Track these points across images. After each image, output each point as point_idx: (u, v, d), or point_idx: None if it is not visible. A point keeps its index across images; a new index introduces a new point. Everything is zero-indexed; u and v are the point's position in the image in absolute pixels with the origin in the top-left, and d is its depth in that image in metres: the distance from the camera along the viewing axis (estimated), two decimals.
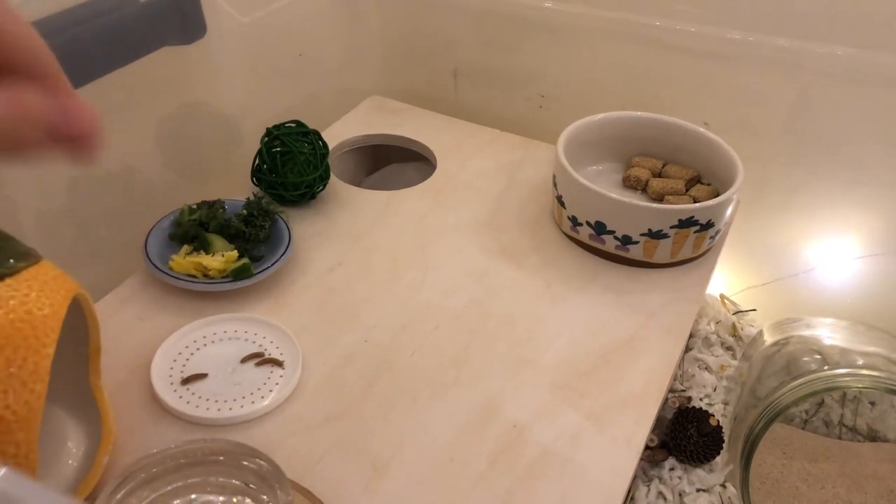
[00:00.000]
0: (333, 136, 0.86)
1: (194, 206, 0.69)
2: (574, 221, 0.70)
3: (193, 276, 0.63)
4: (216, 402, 0.55)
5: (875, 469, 0.68)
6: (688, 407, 0.67)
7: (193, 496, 0.43)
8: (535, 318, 0.64)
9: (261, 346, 0.59)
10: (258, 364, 0.58)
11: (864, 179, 0.77)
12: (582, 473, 0.52)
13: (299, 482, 0.50)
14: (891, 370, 0.61)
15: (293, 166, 0.72)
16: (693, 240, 0.67)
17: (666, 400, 0.66)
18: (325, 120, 0.88)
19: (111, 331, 0.58)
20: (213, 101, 0.79)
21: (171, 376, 0.56)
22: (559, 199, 0.71)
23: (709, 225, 0.67)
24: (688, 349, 0.78)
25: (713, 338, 0.79)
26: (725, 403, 0.72)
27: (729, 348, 0.79)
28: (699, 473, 0.65)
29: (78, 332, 0.51)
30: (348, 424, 0.54)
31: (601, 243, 0.69)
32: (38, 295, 0.42)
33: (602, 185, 0.68)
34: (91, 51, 0.61)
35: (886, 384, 0.59)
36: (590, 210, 0.68)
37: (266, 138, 0.72)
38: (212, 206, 0.69)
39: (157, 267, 0.63)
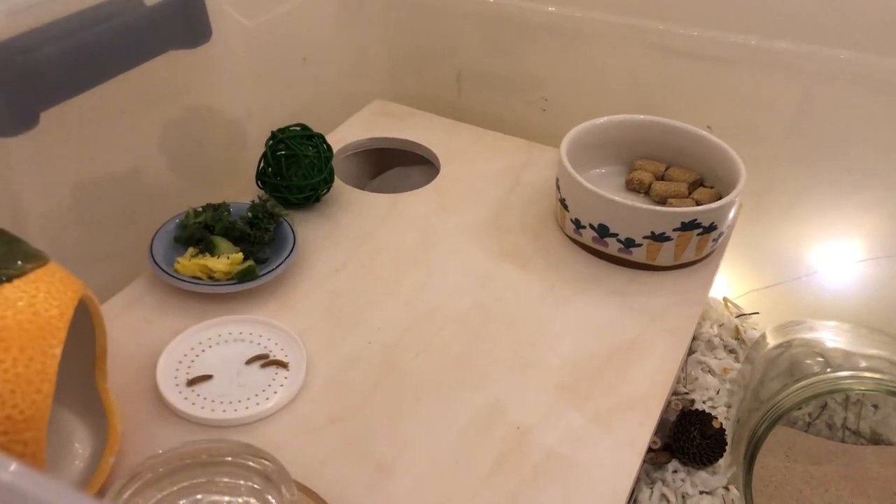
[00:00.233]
0: (338, 140, 0.86)
1: (200, 209, 0.69)
2: (577, 224, 0.70)
3: (199, 279, 0.64)
4: (221, 403, 0.55)
5: (878, 472, 0.68)
6: (691, 409, 0.67)
7: (199, 496, 0.43)
8: (538, 321, 0.64)
9: (266, 347, 0.60)
10: (263, 365, 0.58)
11: (867, 183, 0.77)
12: (585, 475, 0.52)
13: (304, 483, 0.50)
14: (894, 373, 0.61)
15: (298, 169, 0.72)
16: (696, 243, 0.68)
17: (669, 402, 0.67)
18: (329, 123, 0.88)
19: (117, 332, 0.58)
20: (218, 105, 0.80)
21: (176, 377, 0.57)
22: (562, 202, 0.72)
23: (711, 228, 0.67)
24: (691, 352, 0.78)
25: (716, 341, 0.79)
26: (728, 406, 0.73)
27: (732, 351, 0.79)
28: (702, 476, 0.65)
29: (84, 334, 0.51)
30: (353, 426, 0.55)
31: (604, 246, 0.70)
32: (46, 296, 0.43)
33: (605, 189, 0.68)
34: (97, 54, 0.61)
35: (889, 387, 0.59)
36: (593, 213, 0.68)
37: (271, 142, 0.73)
38: (217, 208, 0.69)
39: (162, 269, 0.63)
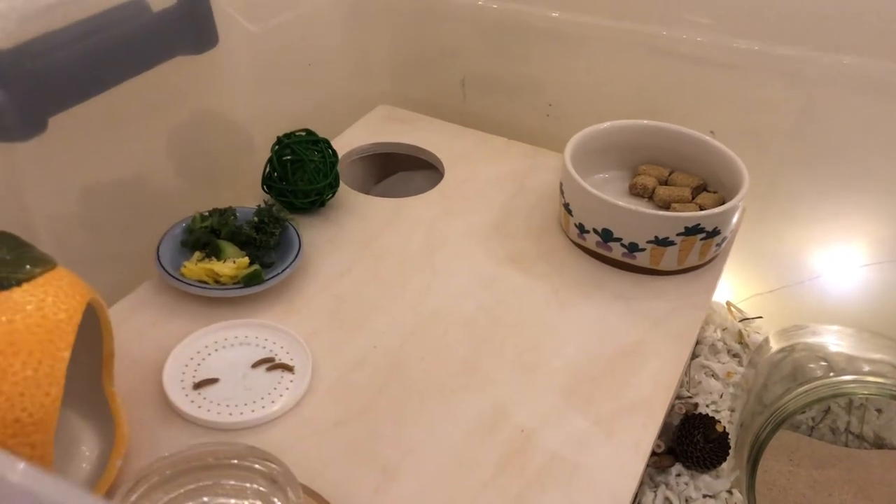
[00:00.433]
0: (343, 145, 0.86)
1: (206, 214, 0.70)
2: (581, 229, 0.71)
3: (205, 283, 0.64)
4: (227, 406, 0.55)
5: (882, 476, 0.68)
6: (694, 413, 0.67)
7: (205, 499, 0.44)
8: (542, 325, 0.65)
9: (271, 351, 0.60)
10: (269, 369, 0.59)
11: (870, 187, 0.77)
12: (589, 478, 0.52)
13: (309, 486, 0.50)
14: None
15: (303, 174, 0.72)
16: (699, 247, 0.68)
17: (672, 406, 0.67)
18: (334, 128, 0.89)
19: (124, 336, 0.59)
20: (224, 110, 0.80)
21: (182, 381, 0.57)
22: (566, 206, 0.72)
23: (715, 232, 0.67)
24: (694, 356, 0.78)
25: (719, 345, 0.79)
26: (732, 410, 0.73)
27: (735, 355, 0.79)
28: (706, 479, 0.65)
29: (91, 337, 0.52)
30: (358, 429, 0.55)
31: (608, 250, 0.70)
32: (55, 300, 0.43)
33: (609, 193, 0.68)
34: (105, 60, 0.62)
35: (892, 391, 0.59)
36: (597, 217, 0.69)
37: (276, 147, 0.73)
38: (223, 213, 0.70)
39: (169, 273, 0.64)
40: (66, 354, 0.42)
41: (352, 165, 0.88)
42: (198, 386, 0.57)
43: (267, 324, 0.62)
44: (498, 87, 0.95)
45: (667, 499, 0.64)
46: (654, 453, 0.65)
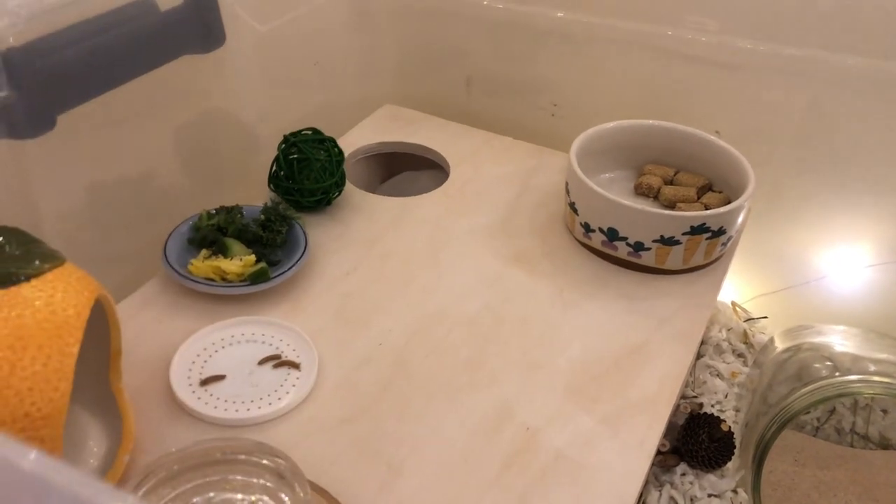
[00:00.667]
0: (349, 144, 0.87)
1: (213, 212, 0.70)
2: (587, 228, 0.71)
3: (212, 280, 0.65)
4: (234, 403, 0.56)
5: (887, 477, 0.68)
6: (699, 413, 0.67)
7: (212, 494, 0.44)
8: (547, 323, 0.65)
9: (278, 348, 0.60)
10: (275, 366, 0.59)
11: (876, 188, 0.77)
12: (594, 477, 0.52)
13: (316, 482, 0.50)
14: None
15: (309, 173, 0.73)
16: (705, 247, 0.68)
17: (678, 406, 0.67)
18: (340, 127, 0.89)
19: (131, 333, 0.59)
20: (231, 109, 0.81)
21: (189, 378, 0.57)
22: (572, 205, 0.72)
23: (720, 232, 0.67)
24: (699, 356, 0.78)
25: (725, 345, 0.80)
26: (737, 410, 0.73)
27: (740, 355, 0.79)
28: (711, 479, 0.65)
29: (99, 334, 0.52)
30: (363, 426, 0.55)
31: (613, 250, 0.70)
32: (63, 296, 0.43)
33: (614, 193, 0.68)
34: (113, 59, 0.62)
35: None
36: (602, 217, 0.69)
37: (283, 145, 0.74)
38: (230, 211, 0.70)
39: (176, 271, 0.64)
40: (75, 350, 0.42)
41: (357, 164, 0.88)
42: (204, 382, 0.57)
43: (273, 321, 0.62)
44: (503, 86, 0.95)
45: (671, 498, 0.64)
46: (659, 452, 0.65)
